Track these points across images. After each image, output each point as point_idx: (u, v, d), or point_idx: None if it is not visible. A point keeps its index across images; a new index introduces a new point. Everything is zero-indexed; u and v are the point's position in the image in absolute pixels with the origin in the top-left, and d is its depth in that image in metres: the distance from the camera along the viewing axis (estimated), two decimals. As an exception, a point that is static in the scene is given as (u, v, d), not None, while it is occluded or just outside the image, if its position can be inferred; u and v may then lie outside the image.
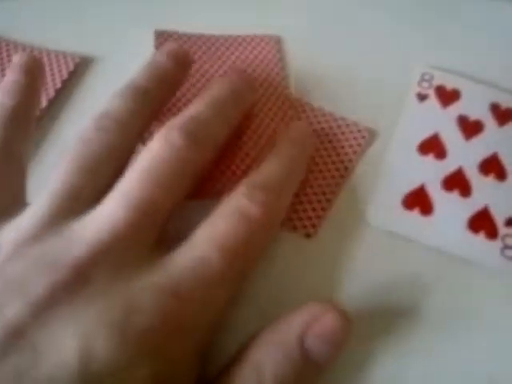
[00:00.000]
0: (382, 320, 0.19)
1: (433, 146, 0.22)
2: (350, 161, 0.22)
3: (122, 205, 0.15)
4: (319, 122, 0.23)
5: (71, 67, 0.25)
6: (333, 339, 0.15)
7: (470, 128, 0.23)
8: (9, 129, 0.18)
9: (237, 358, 0.15)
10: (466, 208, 0.21)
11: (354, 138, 0.22)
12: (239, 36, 0.26)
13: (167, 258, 0.15)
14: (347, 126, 0.23)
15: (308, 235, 0.20)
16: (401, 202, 0.21)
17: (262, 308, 0.18)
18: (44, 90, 0.24)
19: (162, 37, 0.26)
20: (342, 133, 0.23)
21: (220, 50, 0.26)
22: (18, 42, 0.26)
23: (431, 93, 0.24)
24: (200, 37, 0.26)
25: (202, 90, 0.24)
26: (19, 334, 0.13)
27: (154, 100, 0.19)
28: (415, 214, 0.20)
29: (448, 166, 0.22)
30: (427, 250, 0.20)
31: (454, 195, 0.21)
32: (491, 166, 0.22)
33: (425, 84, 0.24)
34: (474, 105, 0.23)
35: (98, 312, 0.14)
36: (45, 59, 0.25)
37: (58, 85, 0.24)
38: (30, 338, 0.13)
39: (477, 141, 0.22)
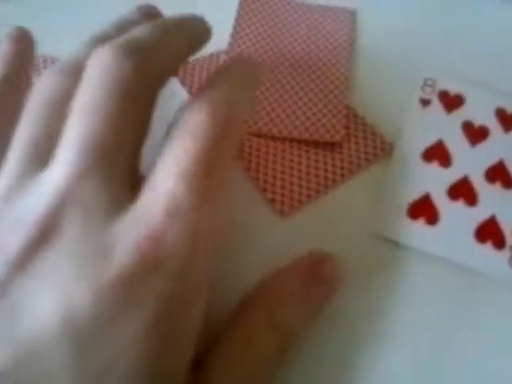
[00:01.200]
0: (386, 332, 0.18)
1: (437, 154, 0.22)
2: (359, 165, 0.21)
3: (72, 150, 0.14)
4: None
5: None
6: (330, 282, 0.18)
7: (476, 134, 0.22)
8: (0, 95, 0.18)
9: (245, 307, 0.17)
10: (472, 217, 0.20)
11: (374, 147, 0.22)
12: (318, 5, 0.27)
13: (136, 200, 0.14)
14: (373, 133, 0.22)
15: (282, 212, 0.20)
16: (406, 211, 0.20)
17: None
18: None
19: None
20: (364, 138, 0.22)
21: (297, 14, 0.27)
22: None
23: (434, 98, 0.23)
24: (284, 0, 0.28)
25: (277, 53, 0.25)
26: None
27: None
28: (421, 224, 0.20)
29: (453, 174, 0.21)
30: (433, 260, 0.19)
31: (460, 204, 0.20)
32: (497, 174, 0.21)
33: (428, 89, 0.24)
34: (479, 110, 0.23)
35: (73, 265, 0.13)
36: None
37: None
38: (8, 298, 0.13)
39: (482, 147, 0.22)
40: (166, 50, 0.17)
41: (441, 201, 0.20)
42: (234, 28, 0.26)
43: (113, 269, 0.13)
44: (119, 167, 0.15)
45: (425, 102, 0.23)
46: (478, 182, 0.21)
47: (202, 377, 0.15)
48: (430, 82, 0.24)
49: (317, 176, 0.21)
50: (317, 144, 0.22)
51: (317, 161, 0.22)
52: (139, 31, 0.17)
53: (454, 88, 0.24)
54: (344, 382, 0.17)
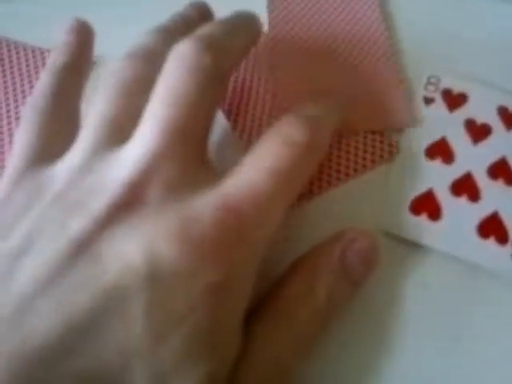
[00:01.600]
0: (388, 327, 0.18)
1: (440, 151, 0.22)
2: (364, 166, 0.22)
3: (154, 129, 0.15)
4: None
5: None
6: (368, 258, 0.18)
7: (478, 132, 0.22)
8: (62, 81, 0.19)
9: (285, 278, 0.17)
10: (475, 213, 0.20)
11: (381, 149, 0.22)
12: None
13: (218, 180, 0.16)
14: (381, 134, 0.22)
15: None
16: (408, 206, 0.20)
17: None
18: None
19: None
20: (373, 140, 0.22)
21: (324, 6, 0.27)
22: (19, 42, 0.26)
23: (438, 96, 0.23)
24: None
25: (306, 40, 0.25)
26: (84, 246, 0.14)
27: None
28: (423, 219, 0.20)
29: (456, 171, 0.21)
30: (436, 256, 0.19)
31: (463, 200, 0.20)
32: (500, 171, 0.21)
33: (431, 87, 0.24)
34: (482, 108, 0.23)
35: (159, 225, 0.14)
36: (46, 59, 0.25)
37: None
38: (95, 250, 0.14)
39: (485, 145, 0.22)
40: (236, 46, 0.19)
41: (444, 196, 0.21)
42: (269, 14, 0.26)
43: (200, 227, 0.14)
44: (196, 149, 0.16)
45: (428, 101, 0.23)
46: (481, 179, 0.21)
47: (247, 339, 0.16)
48: (433, 80, 0.24)
49: (320, 172, 0.21)
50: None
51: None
52: (213, 28, 0.18)
53: (457, 86, 0.24)
54: (348, 380, 0.18)
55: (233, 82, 0.24)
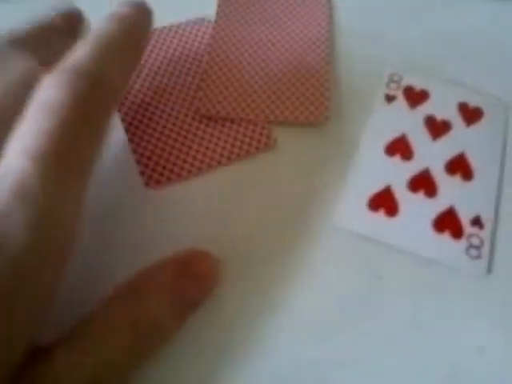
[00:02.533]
0: (345, 321, 0.19)
1: (400, 147, 0.22)
2: (238, 155, 0.22)
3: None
4: None
5: None
6: (205, 281, 0.18)
7: (438, 128, 0.23)
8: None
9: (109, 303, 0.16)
10: (431, 208, 0.21)
11: (258, 140, 0.23)
12: None
13: None
14: (262, 127, 0.23)
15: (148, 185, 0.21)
16: (366, 203, 0.21)
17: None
18: None
19: None
20: (253, 130, 0.23)
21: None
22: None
23: (399, 94, 0.24)
24: None
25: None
26: None
27: None
28: (380, 215, 0.20)
29: (414, 167, 0.22)
30: (392, 251, 0.20)
31: (420, 196, 0.21)
32: (458, 166, 0.22)
33: (393, 85, 0.24)
34: (442, 105, 0.23)
35: None
36: None
37: None
38: None
39: (444, 141, 0.22)
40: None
41: (401, 193, 0.21)
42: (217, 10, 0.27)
43: None
44: None
45: (390, 98, 0.24)
46: (439, 174, 0.21)
47: (44, 364, 0.14)
48: (395, 78, 0.24)
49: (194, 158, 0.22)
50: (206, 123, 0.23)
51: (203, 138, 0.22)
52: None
53: (418, 83, 0.24)
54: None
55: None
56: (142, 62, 0.25)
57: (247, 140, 0.22)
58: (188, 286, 0.17)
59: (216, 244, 0.19)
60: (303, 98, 0.23)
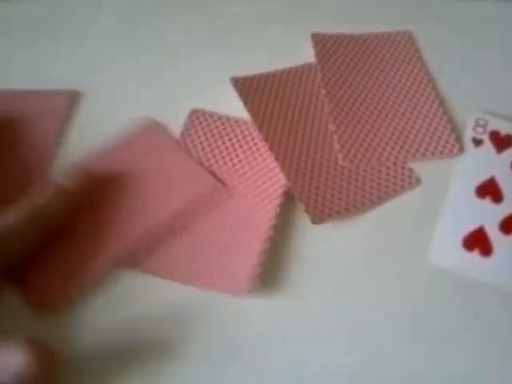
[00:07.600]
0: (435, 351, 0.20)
1: (489, 190, 0.24)
2: (386, 194, 0.24)
3: None
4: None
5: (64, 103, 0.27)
6: (20, 376, 0.17)
7: (525, 173, 0.24)
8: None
9: None
10: (523, 249, 0.22)
11: (402, 180, 0.24)
12: (372, 33, 0.30)
13: None
14: (403, 168, 0.25)
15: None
16: (461, 242, 0.22)
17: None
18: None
19: (319, 38, 0.29)
20: (395, 170, 0.25)
21: (362, 49, 0.29)
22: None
23: (486, 138, 0.25)
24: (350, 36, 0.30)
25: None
26: None
27: None
28: (475, 255, 0.22)
29: (505, 209, 0.23)
30: (489, 290, 0.21)
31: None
32: (546, 210, 0.23)
33: (479, 129, 0.26)
34: (528, 150, 0.25)
35: None
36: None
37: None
38: None
39: (531, 185, 0.24)
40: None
41: (494, 233, 0.22)
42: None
43: None
44: None
45: (477, 142, 0.25)
46: (529, 218, 0.23)
47: None
48: (481, 122, 0.26)
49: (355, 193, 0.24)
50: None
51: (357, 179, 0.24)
52: None
53: (504, 128, 0.26)
54: None
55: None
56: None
57: (392, 180, 0.24)
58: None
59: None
60: (431, 134, 0.25)
